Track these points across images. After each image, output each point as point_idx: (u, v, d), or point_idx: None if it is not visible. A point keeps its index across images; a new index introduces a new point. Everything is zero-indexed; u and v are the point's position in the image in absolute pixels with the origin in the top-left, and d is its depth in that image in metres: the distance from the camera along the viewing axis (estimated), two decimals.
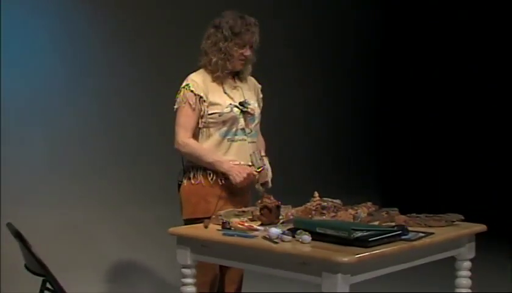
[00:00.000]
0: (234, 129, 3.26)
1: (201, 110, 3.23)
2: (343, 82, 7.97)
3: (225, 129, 3.25)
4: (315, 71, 7.54)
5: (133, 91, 5.54)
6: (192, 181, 3.26)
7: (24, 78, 4.87)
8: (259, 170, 3.22)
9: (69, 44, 5.18)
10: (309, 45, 7.47)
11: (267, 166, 3.30)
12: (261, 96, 3.50)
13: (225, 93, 3.28)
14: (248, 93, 3.38)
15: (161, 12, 5.79)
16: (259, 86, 3.51)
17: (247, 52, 3.27)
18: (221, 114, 3.23)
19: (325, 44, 7.65)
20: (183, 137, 3.23)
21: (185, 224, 3.26)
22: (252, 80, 3.47)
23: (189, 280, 2.83)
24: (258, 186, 3.21)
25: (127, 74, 5.52)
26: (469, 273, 2.99)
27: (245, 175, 3.16)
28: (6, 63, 4.73)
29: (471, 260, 2.99)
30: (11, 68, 4.77)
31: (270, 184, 3.25)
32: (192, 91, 3.23)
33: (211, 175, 3.24)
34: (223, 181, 3.24)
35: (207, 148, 3.24)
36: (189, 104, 3.21)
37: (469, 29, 8.38)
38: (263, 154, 3.35)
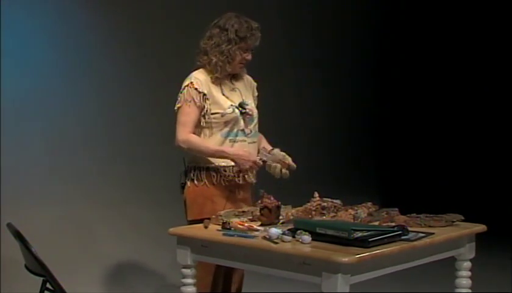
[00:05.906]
0: (235, 130, 3.27)
1: (204, 107, 3.23)
2: (343, 82, 7.96)
3: (227, 129, 3.25)
4: (314, 71, 7.53)
5: (133, 90, 5.54)
6: (196, 182, 3.26)
7: (23, 78, 4.87)
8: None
9: (69, 44, 5.17)
10: (309, 45, 7.46)
11: (282, 153, 3.32)
12: (256, 94, 3.50)
13: (224, 95, 3.28)
14: (246, 94, 3.38)
15: (162, 12, 5.78)
16: (255, 84, 3.50)
17: (249, 56, 3.29)
18: (223, 114, 3.23)
19: (324, 44, 7.64)
20: (183, 134, 3.22)
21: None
22: (247, 78, 3.47)
23: (189, 280, 2.83)
24: (284, 171, 3.26)
25: (127, 74, 5.51)
26: (469, 273, 2.99)
27: (251, 163, 3.20)
28: (6, 63, 4.72)
29: (471, 260, 3.00)
30: (11, 67, 4.76)
31: (294, 165, 3.28)
32: (196, 88, 3.22)
33: (215, 176, 3.25)
34: (226, 182, 3.26)
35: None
36: (194, 101, 3.21)
37: (469, 29, 8.37)
38: (269, 148, 3.37)
